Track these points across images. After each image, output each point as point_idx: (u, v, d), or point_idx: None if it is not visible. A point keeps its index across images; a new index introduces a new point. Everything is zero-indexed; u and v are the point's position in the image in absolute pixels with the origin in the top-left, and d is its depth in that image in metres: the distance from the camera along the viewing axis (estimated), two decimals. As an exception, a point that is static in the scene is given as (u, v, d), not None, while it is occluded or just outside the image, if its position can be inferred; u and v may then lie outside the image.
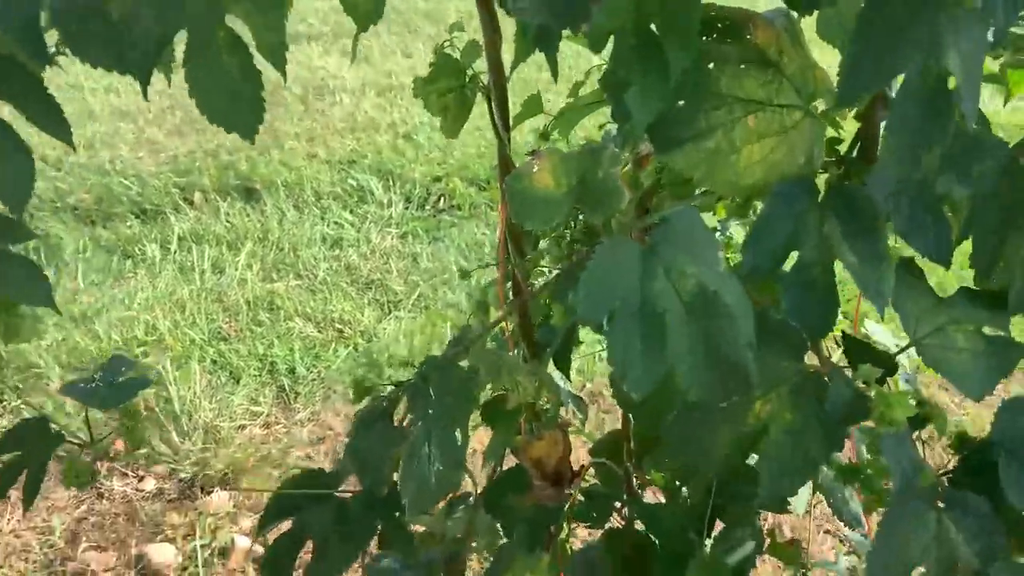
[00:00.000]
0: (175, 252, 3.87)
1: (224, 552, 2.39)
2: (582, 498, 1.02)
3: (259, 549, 2.41)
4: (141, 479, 2.65)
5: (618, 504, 0.95)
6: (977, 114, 0.55)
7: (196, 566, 2.32)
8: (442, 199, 4.38)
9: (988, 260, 0.64)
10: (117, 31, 0.48)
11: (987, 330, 0.64)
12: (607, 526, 0.93)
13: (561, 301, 0.71)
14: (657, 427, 0.65)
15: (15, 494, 2.70)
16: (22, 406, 2.87)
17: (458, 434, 0.65)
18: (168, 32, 0.50)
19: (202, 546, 2.37)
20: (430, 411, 0.63)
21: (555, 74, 0.58)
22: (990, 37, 0.55)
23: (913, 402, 0.64)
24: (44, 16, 0.48)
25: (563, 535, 0.98)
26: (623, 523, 0.92)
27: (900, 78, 0.54)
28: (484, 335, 0.70)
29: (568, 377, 1.08)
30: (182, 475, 2.64)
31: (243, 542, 2.40)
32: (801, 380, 0.61)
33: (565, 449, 0.80)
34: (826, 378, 0.60)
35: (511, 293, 0.81)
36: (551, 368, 1.05)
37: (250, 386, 2.97)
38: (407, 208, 4.33)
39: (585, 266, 0.57)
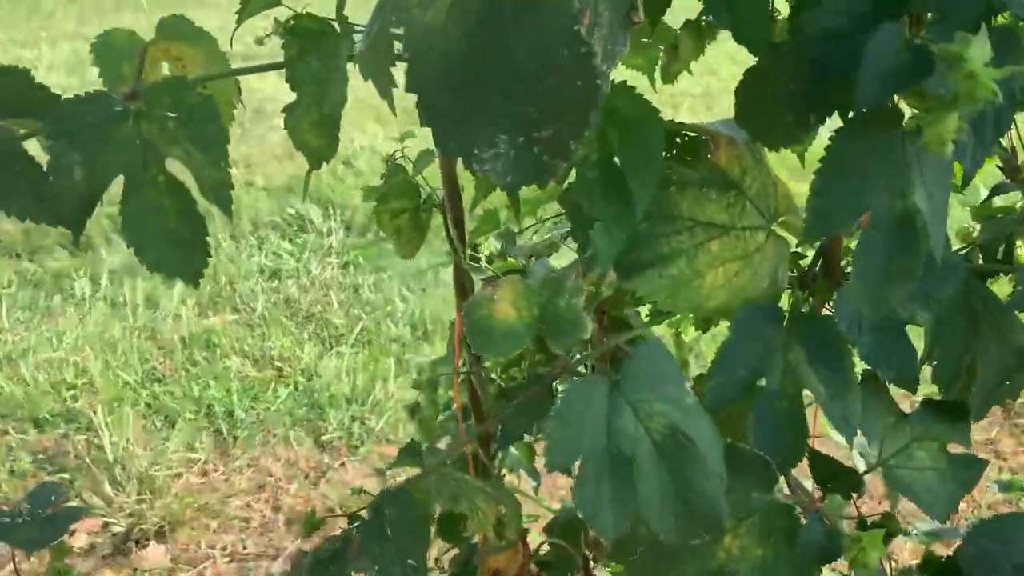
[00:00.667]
0: (106, 287, 3.74)
1: (161, 610, 2.30)
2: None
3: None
4: (72, 534, 2.52)
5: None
6: (944, 239, 0.54)
7: (131, 626, 2.22)
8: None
9: (951, 376, 0.64)
10: (41, 180, 0.44)
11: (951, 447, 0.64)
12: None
13: (521, 426, 0.69)
14: (624, 554, 0.62)
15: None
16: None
17: (415, 566, 0.62)
18: (101, 181, 0.45)
19: (138, 605, 2.28)
20: (386, 550, 0.59)
21: (518, 215, 0.55)
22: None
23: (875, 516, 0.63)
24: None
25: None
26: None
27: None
28: (440, 462, 0.67)
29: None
30: (115, 529, 2.52)
31: (181, 600, 2.31)
32: (771, 512, 0.59)
33: (525, 558, 0.77)
34: (797, 510, 0.58)
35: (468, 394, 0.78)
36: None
37: (186, 431, 2.87)
38: (348, 236, 4.26)
39: (551, 407, 0.54)
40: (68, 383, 3.06)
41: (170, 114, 0.48)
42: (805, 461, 0.66)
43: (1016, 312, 0.64)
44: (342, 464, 2.79)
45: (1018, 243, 0.71)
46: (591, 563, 1.05)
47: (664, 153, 0.63)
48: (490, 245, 0.90)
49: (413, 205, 0.66)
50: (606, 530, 0.54)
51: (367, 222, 4.32)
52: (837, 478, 0.64)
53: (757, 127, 0.53)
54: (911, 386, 0.59)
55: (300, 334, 3.42)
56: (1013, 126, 0.74)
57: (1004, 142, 0.75)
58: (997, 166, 0.74)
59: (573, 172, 0.55)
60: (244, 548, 2.50)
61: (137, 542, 2.50)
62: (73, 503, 2.62)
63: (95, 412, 2.86)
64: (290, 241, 4.20)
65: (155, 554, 2.45)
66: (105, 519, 2.54)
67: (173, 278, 0.51)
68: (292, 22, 0.53)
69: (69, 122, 0.47)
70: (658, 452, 0.55)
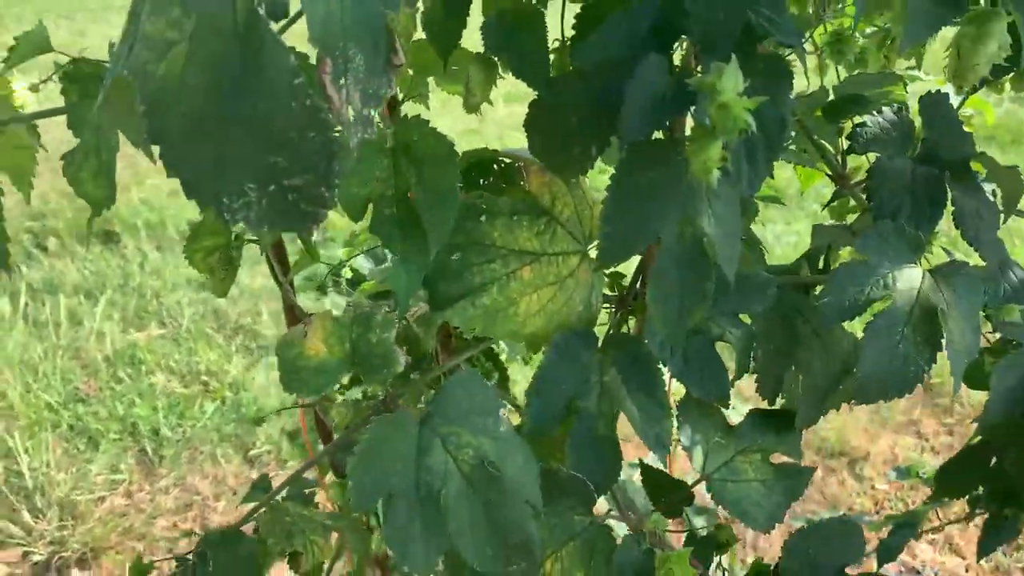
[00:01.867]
0: (26, 305, 3.64)
1: (85, 640, 2.24)
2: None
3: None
4: (-11, 566, 2.46)
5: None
6: (738, 260, 0.55)
7: (53, 658, 2.17)
8: (315, 232, 4.27)
9: (772, 389, 0.65)
10: None
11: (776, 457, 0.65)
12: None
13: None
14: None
15: None
16: None
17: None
18: None
19: (60, 634, 2.22)
20: (209, 595, 0.59)
21: (310, 251, 0.55)
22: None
23: (711, 528, 0.64)
24: None
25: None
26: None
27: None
28: (272, 495, 0.66)
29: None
30: (36, 557, 2.46)
31: (105, 626, 2.26)
32: (591, 534, 0.60)
33: (383, 584, 0.77)
34: (615, 531, 0.59)
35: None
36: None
37: (110, 452, 2.81)
38: (278, 244, 4.21)
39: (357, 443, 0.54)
40: (-15, 409, 2.98)
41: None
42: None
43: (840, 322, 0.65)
44: (273, 478, 2.77)
45: (841, 252, 0.73)
46: None
47: (479, 180, 0.63)
48: (358, 264, 0.90)
49: (225, 241, 0.65)
50: (418, 565, 0.54)
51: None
52: (667, 492, 0.64)
53: (548, 158, 0.54)
54: (724, 402, 0.61)
55: (228, 347, 3.37)
56: (839, 134, 0.75)
57: (833, 150, 0.76)
58: (827, 174, 0.75)
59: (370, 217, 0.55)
60: (169, 569, 2.47)
61: (59, 571, 2.44)
62: (-9, 533, 2.55)
63: (13, 437, 2.79)
64: (218, 251, 4.13)
65: (78, 582, 2.40)
66: (24, 549, 2.48)
67: None
68: (71, 67, 0.52)
69: None
70: (468, 485, 0.55)
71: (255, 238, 0.67)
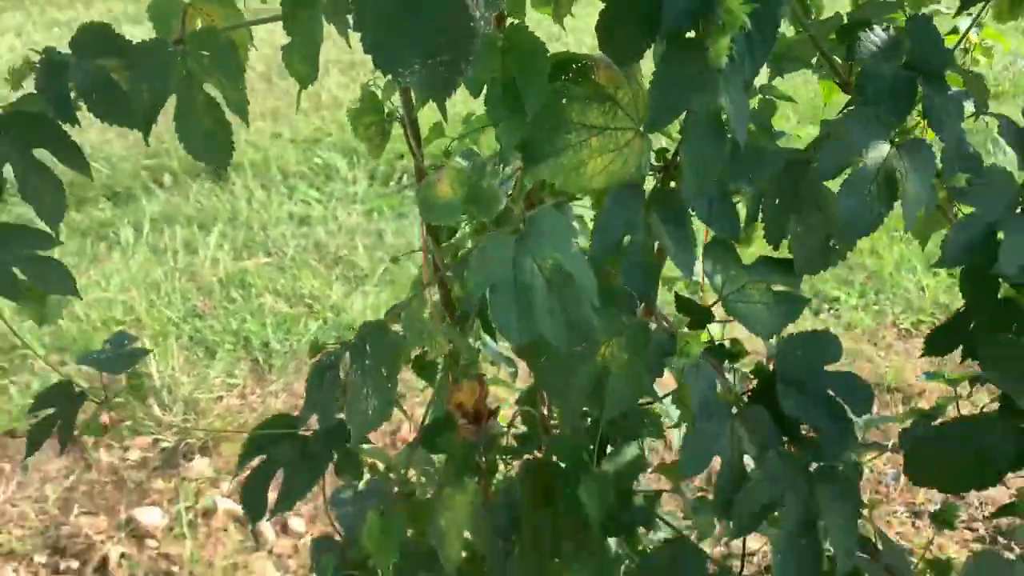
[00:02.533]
0: (148, 234, 4.03)
1: (207, 513, 2.59)
2: (513, 440, 1.24)
3: (238, 509, 2.62)
4: (127, 449, 2.84)
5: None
6: (746, 131, 0.76)
7: (182, 527, 2.52)
8: (405, 176, 4.55)
9: (776, 236, 0.87)
10: (125, 98, 0.68)
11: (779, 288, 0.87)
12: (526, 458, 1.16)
13: (463, 280, 0.92)
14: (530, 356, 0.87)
15: (8, 467, 2.87)
16: (9, 384, 3.05)
17: (388, 380, 0.87)
18: (160, 99, 0.69)
19: (186, 508, 2.57)
20: (367, 363, 0.84)
21: (444, 118, 0.79)
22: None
23: (728, 342, 0.87)
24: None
25: (493, 468, 1.20)
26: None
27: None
28: (410, 303, 0.92)
29: (494, 339, 1.30)
30: (164, 444, 2.83)
31: (225, 504, 2.60)
32: (635, 329, 0.83)
33: (482, 393, 1.02)
34: (652, 326, 0.82)
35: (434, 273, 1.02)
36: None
37: (226, 360, 3.17)
38: (371, 185, 4.50)
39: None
40: (117, 320, 3.37)
41: (205, 53, 0.72)
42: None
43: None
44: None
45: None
46: (549, 422, 1.29)
47: (562, 76, 0.86)
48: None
49: (380, 118, 0.90)
50: (515, 337, 0.78)
51: (389, 171, 4.57)
52: (692, 311, 0.87)
53: (612, 51, 0.76)
54: (736, 239, 0.82)
55: (328, 275, 3.70)
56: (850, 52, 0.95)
57: (841, 66, 0.96)
58: (836, 82, 0.95)
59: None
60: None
61: (184, 456, 2.81)
62: (128, 422, 2.93)
63: (142, 345, 3.17)
64: (317, 190, 4.45)
65: (200, 466, 2.76)
66: (155, 437, 2.86)
67: (210, 164, 0.75)
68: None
69: (139, 60, 0.71)
70: (548, 284, 0.78)
71: (402, 116, 0.91)
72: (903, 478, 2.52)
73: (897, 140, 0.81)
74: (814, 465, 0.79)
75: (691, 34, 0.75)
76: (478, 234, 0.94)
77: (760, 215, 0.86)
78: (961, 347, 1.02)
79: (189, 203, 4.30)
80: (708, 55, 0.73)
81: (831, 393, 0.81)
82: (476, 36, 0.64)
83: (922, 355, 1.06)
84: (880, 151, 0.79)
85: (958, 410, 1.69)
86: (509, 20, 0.94)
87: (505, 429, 1.19)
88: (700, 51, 0.73)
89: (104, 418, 1.15)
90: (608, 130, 0.83)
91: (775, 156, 0.83)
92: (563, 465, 1.12)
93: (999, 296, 0.95)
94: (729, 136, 0.77)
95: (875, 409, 2.84)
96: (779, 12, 0.71)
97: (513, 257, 0.78)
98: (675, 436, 1.20)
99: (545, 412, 1.26)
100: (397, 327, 0.94)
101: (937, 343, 1.04)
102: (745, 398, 0.85)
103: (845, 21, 0.97)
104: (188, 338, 3.31)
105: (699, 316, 0.85)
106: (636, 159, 0.83)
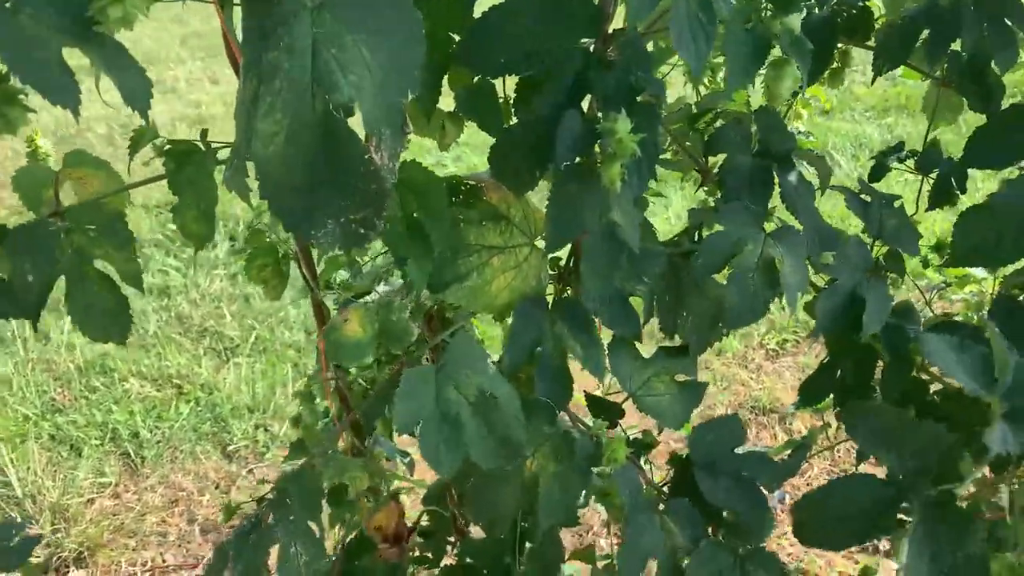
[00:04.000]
0: (-12, 327, 3.73)
1: (91, 633, 2.42)
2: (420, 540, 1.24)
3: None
4: (-8, 571, 2.61)
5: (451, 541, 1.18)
6: (639, 239, 0.81)
7: (65, 650, 2.35)
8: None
9: (670, 327, 0.92)
10: (9, 288, 0.64)
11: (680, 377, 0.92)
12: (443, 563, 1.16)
13: (381, 412, 0.93)
14: (462, 483, 0.88)
15: None
16: None
17: (315, 528, 0.86)
18: (49, 282, 0.66)
19: (67, 629, 2.40)
20: (291, 518, 0.82)
21: (344, 261, 0.79)
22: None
23: (639, 435, 0.91)
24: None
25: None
26: (455, 560, 1.16)
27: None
28: (327, 444, 0.91)
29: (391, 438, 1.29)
30: (33, 560, 2.62)
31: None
32: (557, 438, 0.86)
33: (400, 515, 1.02)
34: (575, 434, 0.85)
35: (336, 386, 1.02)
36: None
37: (93, 457, 2.97)
38: (233, 246, 4.34)
39: (395, 387, 0.79)
40: (-35, 427, 3.10)
41: (91, 227, 0.69)
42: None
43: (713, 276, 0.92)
44: (250, 471, 2.95)
45: (706, 229, 0.99)
46: (467, 526, 1.29)
47: (452, 199, 0.88)
48: (339, 276, 1.13)
49: (274, 260, 0.89)
50: (444, 469, 0.79)
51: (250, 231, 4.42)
52: (605, 411, 0.91)
53: (506, 181, 0.79)
54: (637, 338, 0.87)
55: (195, 349, 3.54)
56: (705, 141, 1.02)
57: (698, 155, 1.03)
58: (695, 169, 1.03)
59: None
60: (164, 561, 2.65)
61: (57, 571, 2.61)
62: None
63: (-4, 455, 2.93)
64: (175, 257, 4.25)
65: (77, 579, 2.58)
66: (25, 552, 2.64)
67: (107, 342, 0.72)
68: (168, 146, 0.74)
69: (20, 245, 0.67)
70: (474, 409, 0.80)
71: (294, 256, 0.91)
72: (788, 498, 2.69)
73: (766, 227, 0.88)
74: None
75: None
76: (387, 364, 0.95)
77: (654, 310, 0.91)
78: (832, 395, 1.11)
79: (29, 289, 4.01)
80: (600, 178, 0.77)
81: (745, 474, 0.87)
82: (388, 193, 0.65)
83: (796, 405, 1.14)
84: (756, 240, 0.86)
85: (828, 438, 1.82)
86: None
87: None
88: (592, 175, 0.77)
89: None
90: (507, 248, 0.86)
91: (658, 254, 0.88)
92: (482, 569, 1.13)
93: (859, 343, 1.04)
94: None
95: (753, 431, 3.01)
96: (659, 133, 0.76)
97: (435, 392, 0.80)
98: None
99: (456, 512, 1.26)
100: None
101: (810, 393, 1.12)
102: (664, 488, 0.89)
103: (694, 111, 1.05)
104: (49, 436, 3.09)
105: (611, 415, 0.89)
106: (536, 273, 0.86)
